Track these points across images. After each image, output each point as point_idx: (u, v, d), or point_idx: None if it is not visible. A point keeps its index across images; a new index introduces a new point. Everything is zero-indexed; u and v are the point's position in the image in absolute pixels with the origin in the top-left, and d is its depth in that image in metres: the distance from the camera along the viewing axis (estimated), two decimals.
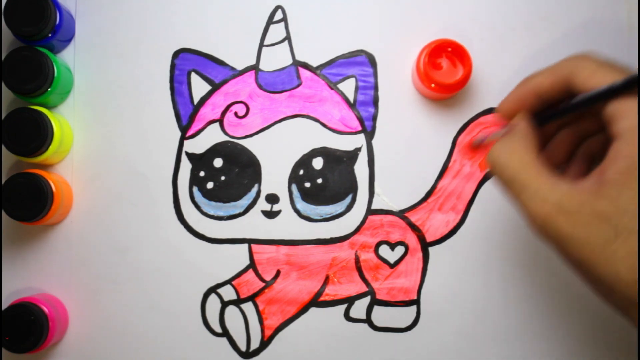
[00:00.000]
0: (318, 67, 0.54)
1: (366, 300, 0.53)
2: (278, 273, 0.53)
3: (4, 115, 0.51)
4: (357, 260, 0.53)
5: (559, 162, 0.45)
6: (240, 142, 0.53)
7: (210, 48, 0.54)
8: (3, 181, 0.50)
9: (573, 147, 0.45)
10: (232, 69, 0.54)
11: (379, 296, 0.53)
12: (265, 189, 0.53)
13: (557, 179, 0.38)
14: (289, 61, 0.54)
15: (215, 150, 0.53)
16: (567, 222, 0.36)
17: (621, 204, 0.35)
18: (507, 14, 0.54)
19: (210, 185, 0.53)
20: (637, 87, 0.36)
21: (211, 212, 0.53)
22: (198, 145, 0.54)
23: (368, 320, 0.53)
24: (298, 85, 0.54)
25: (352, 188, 0.53)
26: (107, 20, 0.54)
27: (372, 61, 0.54)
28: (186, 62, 0.54)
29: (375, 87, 0.54)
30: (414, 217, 0.53)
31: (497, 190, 0.53)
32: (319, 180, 0.53)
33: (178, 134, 0.54)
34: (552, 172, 0.38)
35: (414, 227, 0.53)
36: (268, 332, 0.53)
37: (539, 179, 0.38)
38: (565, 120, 0.45)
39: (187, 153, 0.54)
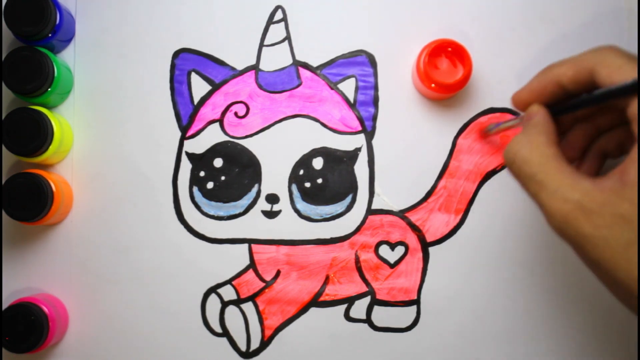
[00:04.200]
0: (318, 67, 0.54)
1: (366, 300, 0.53)
2: (278, 273, 0.53)
3: (4, 115, 0.51)
4: (357, 260, 0.53)
5: (573, 157, 0.45)
6: (240, 142, 0.53)
7: (210, 48, 0.54)
8: (3, 181, 0.50)
9: (587, 143, 0.45)
10: (232, 69, 0.54)
11: (379, 296, 0.53)
12: (266, 189, 0.53)
13: (578, 176, 0.37)
14: (289, 61, 0.54)
15: (215, 150, 0.53)
16: (588, 222, 0.35)
17: None
18: (507, 14, 0.54)
19: (210, 185, 0.53)
20: None
21: (211, 212, 0.53)
22: (198, 145, 0.54)
23: (368, 320, 0.53)
24: (298, 85, 0.54)
25: (352, 188, 0.53)
26: (107, 20, 0.54)
27: (372, 61, 0.54)
28: (186, 62, 0.54)
29: (375, 87, 0.54)
30: (414, 217, 0.53)
31: (497, 189, 0.53)
32: (319, 180, 0.53)
33: (178, 134, 0.54)
34: (572, 168, 0.38)
35: (414, 227, 0.53)
36: (268, 332, 0.53)
37: (560, 175, 0.37)
38: (579, 116, 0.44)
39: (187, 153, 0.54)
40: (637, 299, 0.35)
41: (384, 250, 0.53)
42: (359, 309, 0.53)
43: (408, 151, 0.53)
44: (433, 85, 0.50)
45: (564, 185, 0.37)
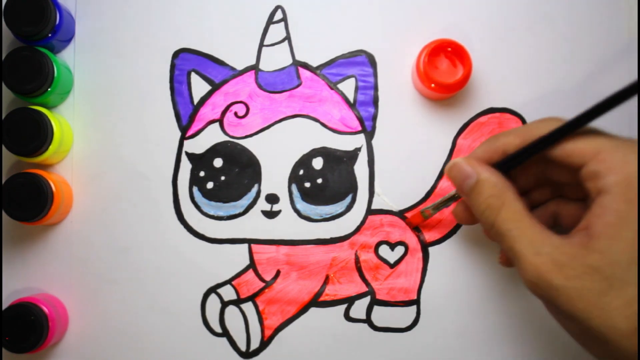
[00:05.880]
0: (318, 67, 0.54)
1: (366, 300, 0.53)
2: (278, 273, 0.53)
3: (4, 115, 0.51)
4: (357, 260, 0.53)
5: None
6: (240, 142, 0.53)
7: (210, 48, 0.54)
8: (3, 181, 0.50)
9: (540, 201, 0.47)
10: (232, 69, 0.54)
11: (379, 296, 0.53)
12: (265, 189, 0.53)
13: (548, 232, 0.39)
14: (289, 61, 0.54)
15: (215, 150, 0.53)
16: (560, 274, 0.37)
17: (612, 256, 0.36)
18: (507, 14, 0.54)
19: (210, 185, 0.53)
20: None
21: (211, 212, 0.53)
22: (198, 145, 0.54)
23: (368, 320, 0.53)
24: (298, 85, 0.54)
25: (352, 188, 0.53)
26: (107, 20, 0.54)
27: (372, 61, 0.54)
28: (186, 62, 0.54)
29: (375, 87, 0.54)
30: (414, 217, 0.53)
31: None
32: (319, 180, 0.53)
33: (178, 134, 0.54)
34: (542, 226, 0.39)
35: (414, 227, 0.53)
36: (268, 332, 0.53)
37: (532, 230, 0.39)
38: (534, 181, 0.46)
39: (187, 153, 0.54)
40: (612, 346, 0.36)
41: (384, 250, 0.53)
42: (359, 309, 0.53)
43: (408, 151, 0.53)
44: (433, 85, 0.50)
45: (536, 240, 0.38)
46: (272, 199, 0.53)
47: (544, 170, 0.45)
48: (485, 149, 0.45)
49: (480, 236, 0.53)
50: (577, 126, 0.40)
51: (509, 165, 0.44)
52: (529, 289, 0.39)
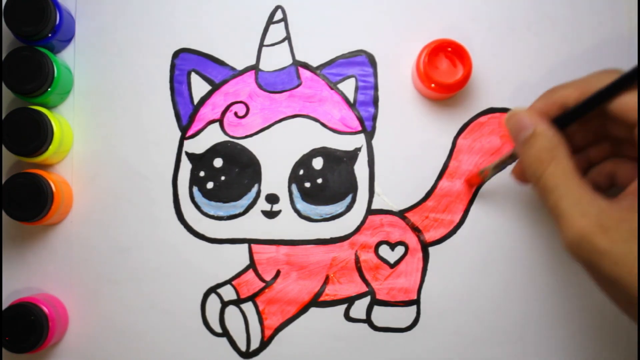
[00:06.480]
0: (318, 67, 0.54)
1: (366, 300, 0.53)
2: (278, 273, 0.53)
3: (4, 115, 0.51)
4: (357, 260, 0.53)
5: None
6: (240, 142, 0.53)
7: (210, 48, 0.54)
8: (3, 181, 0.50)
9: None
10: (232, 69, 0.54)
11: (379, 296, 0.53)
12: (265, 189, 0.53)
13: (595, 194, 0.37)
14: (289, 61, 0.54)
15: (215, 150, 0.53)
16: (605, 237, 0.35)
17: None
18: (507, 14, 0.54)
19: (210, 185, 0.53)
20: None
21: (211, 212, 0.53)
22: (198, 145, 0.54)
23: (368, 320, 0.53)
24: (298, 85, 0.54)
25: (352, 188, 0.53)
26: (107, 20, 0.54)
27: (372, 61, 0.54)
28: (186, 62, 0.54)
29: (375, 87, 0.54)
30: (414, 217, 0.53)
31: (497, 189, 0.53)
32: (319, 180, 0.53)
33: (178, 134, 0.54)
34: (590, 186, 0.38)
35: (413, 227, 0.53)
36: (268, 332, 0.53)
37: (580, 191, 0.37)
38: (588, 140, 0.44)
39: (187, 153, 0.54)
40: None
41: (384, 250, 0.53)
42: (359, 309, 0.53)
43: (408, 151, 0.53)
44: (433, 85, 0.50)
45: (583, 200, 0.37)
46: (272, 199, 0.53)
47: (603, 126, 0.43)
48: (544, 102, 0.42)
49: (480, 236, 0.53)
50: (635, 78, 0.38)
51: (567, 119, 0.41)
52: (569, 251, 0.37)
